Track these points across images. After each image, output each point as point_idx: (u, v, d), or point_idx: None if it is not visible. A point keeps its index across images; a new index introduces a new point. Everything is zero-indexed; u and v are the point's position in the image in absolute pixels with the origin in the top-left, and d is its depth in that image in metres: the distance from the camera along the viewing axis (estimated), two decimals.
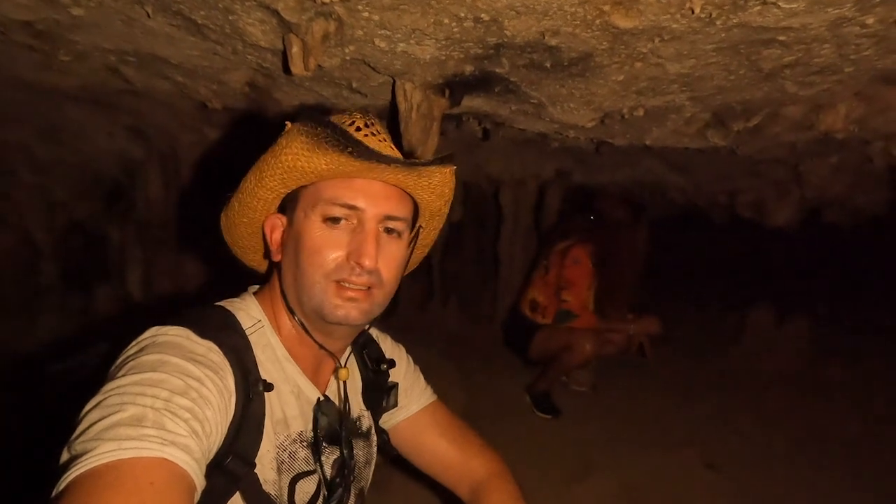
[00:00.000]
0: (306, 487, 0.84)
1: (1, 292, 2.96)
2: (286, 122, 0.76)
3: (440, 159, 0.82)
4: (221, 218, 0.87)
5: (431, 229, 0.97)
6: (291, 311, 0.84)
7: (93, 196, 3.11)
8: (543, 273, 2.88)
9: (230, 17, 1.24)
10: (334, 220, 0.78)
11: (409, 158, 0.80)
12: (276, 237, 0.85)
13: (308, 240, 0.78)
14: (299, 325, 0.84)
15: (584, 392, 2.97)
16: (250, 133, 2.47)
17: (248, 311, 0.84)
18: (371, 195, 0.79)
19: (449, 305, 4.04)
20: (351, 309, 0.78)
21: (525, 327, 2.87)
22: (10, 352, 2.71)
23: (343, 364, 0.91)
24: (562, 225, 3.24)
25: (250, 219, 0.86)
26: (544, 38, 1.25)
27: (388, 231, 0.81)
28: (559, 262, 2.80)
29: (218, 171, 2.78)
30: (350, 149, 0.73)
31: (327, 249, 0.78)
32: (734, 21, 1.11)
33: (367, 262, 0.77)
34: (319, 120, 0.73)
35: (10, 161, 2.81)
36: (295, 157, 0.74)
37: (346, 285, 0.78)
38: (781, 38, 1.19)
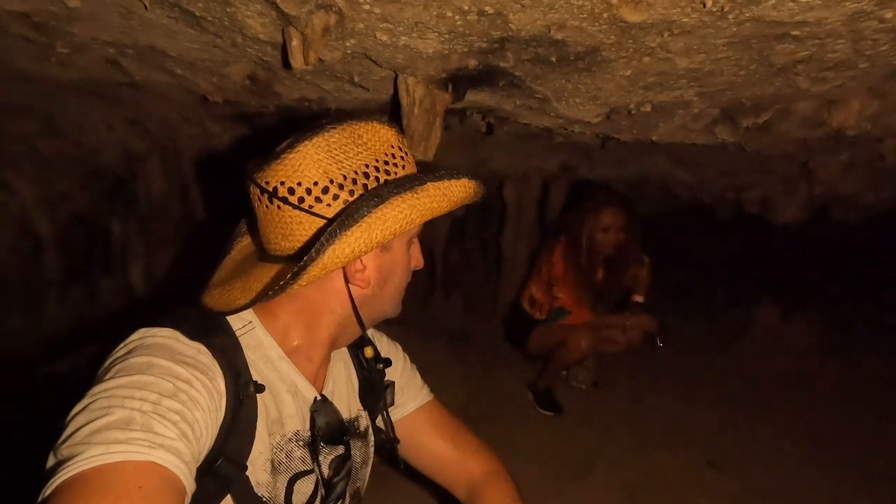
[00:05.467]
0: (304, 487, 0.83)
1: (3, 285, 2.96)
2: (462, 176, 0.83)
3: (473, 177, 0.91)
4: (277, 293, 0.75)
5: None
6: (361, 324, 0.86)
7: (94, 189, 3.10)
8: (539, 269, 2.86)
9: (228, 9, 1.21)
10: (410, 243, 0.89)
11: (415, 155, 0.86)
12: (360, 271, 0.83)
13: (404, 265, 0.88)
14: (359, 327, 0.86)
15: (585, 389, 2.96)
16: (252, 126, 2.45)
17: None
18: None
19: (451, 300, 4.03)
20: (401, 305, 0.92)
21: (524, 322, 2.86)
22: (12, 346, 2.71)
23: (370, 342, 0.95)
24: (560, 220, 3.20)
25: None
26: (550, 31, 1.21)
27: None
28: (548, 257, 2.78)
29: (220, 164, 2.76)
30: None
31: (408, 268, 0.89)
32: (747, 15, 1.08)
33: (422, 265, 0.93)
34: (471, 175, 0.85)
35: (11, 153, 2.80)
36: (449, 206, 0.83)
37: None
38: (795, 32, 1.15)
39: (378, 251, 0.82)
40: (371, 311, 0.87)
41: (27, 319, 2.89)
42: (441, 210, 0.81)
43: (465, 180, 0.83)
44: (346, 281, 0.82)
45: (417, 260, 0.91)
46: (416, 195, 0.76)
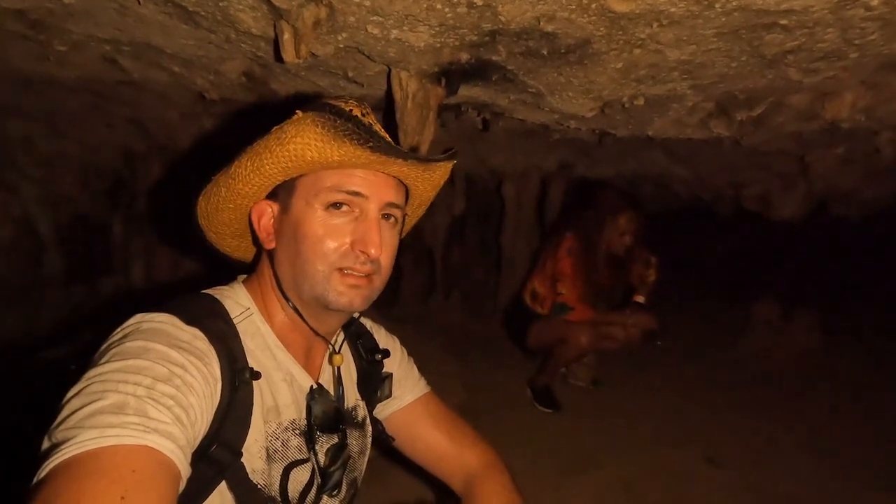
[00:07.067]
0: (300, 476, 0.83)
1: (5, 284, 2.98)
2: (296, 111, 0.75)
3: (448, 156, 0.84)
4: (200, 202, 0.85)
5: (415, 216, 0.99)
6: (286, 298, 0.83)
7: (95, 188, 3.12)
8: (543, 263, 2.86)
9: (220, 4, 1.22)
10: (336, 206, 0.78)
11: (405, 148, 0.80)
12: (265, 224, 0.84)
13: (310, 228, 0.78)
14: (293, 312, 0.83)
15: (583, 387, 2.96)
16: (249, 124, 2.46)
17: (236, 299, 0.84)
18: (374, 183, 0.80)
19: (451, 298, 4.03)
20: (354, 296, 0.79)
21: (525, 316, 2.86)
22: (14, 344, 2.73)
23: (337, 350, 0.91)
24: (564, 215, 3.21)
25: (237, 205, 0.84)
26: (540, 23, 1.22)
27: (386, 218, 0.82)
28: (554, 253, 2.78)
29: (219, 162, 2.77)
30: (370, 143, 0.73)
31: (331, 238, 0.78)
32: (734, 4, 1.08)
33: (374, 251, 0.78)
34: (337, 111, 0.73)
35: (12, 153, 2.82)
36: (305, 147, 0.73)
37: (349, 272, 0.79)
38: (783, 21, 1.16)
39: (278, 210, 0.83)
40: (293, 282, 0.82)
41: (28, 318, 2.90)
42: (311, 156, 0.74)
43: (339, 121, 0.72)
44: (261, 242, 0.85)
45: (360, 239, 0.78)
46: (279, 140, 0.74)
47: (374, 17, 1.22)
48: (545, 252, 2.90)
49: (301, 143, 0.73)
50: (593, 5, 1.13)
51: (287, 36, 1.22)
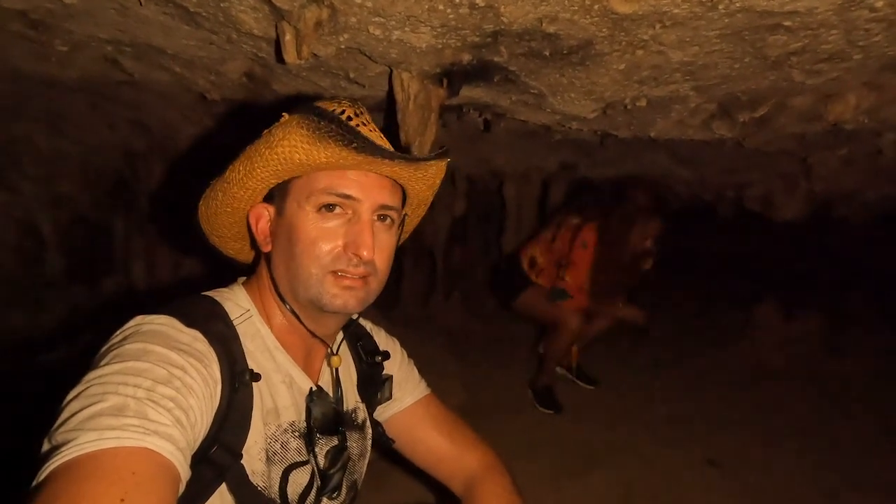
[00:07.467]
0: (299, 478, 0.83)
1: (7, 284, 2.98)
2: (283, 114, 0.75)
3: (438, 154, 0.83)
4: (200, 207, 0.86)
5: (416, 216, 0.98)
6: (283, 300, 0.83)
7: (96, 188, 3.12)
8: (550, 238, 2.84)
9: (222, 4, 1.22)
10: (329, 208, 0.78)
11: (406, 149, 0.80)
12: (262, 227, 0.84)
13: (303, 231, 0.78)
14: (291, 314, 0.83)
15: (564, 372, 3.01)
16: (250, 124, 2.46)
17: (236, 300, 0.84)
18: (366, 185, 0.79)
19: (452, 299, 4.03)
20: (349, 298, 0.79)
21: (517, 278, 2.87)
22: (15, 343, 2.73)
23: (335, 352, 0.91)
24: (580, 202, 3.17)
25: (234, 208, 0.84)
26: (542, 24, 1.22)
27: (382, 219, 0.82)
28: (568, 237, 2.75)
29: (221, 162, 2.77)
30: (354, 144, 0.72)
31: (324, 240, 0.78)
32: (737, 5, 1.08)
33: (366, 254, 0.77)
34: (321, 112, 0.73)
35: (14, 153, 2.82)
36: (292, 150, 0.73)
37: (343, 275, 0.78)
38: (787, 23, 1.15)
39: (273, 213, 0.83)
40: (289, 284, 0.82)
41: (30, 318, 2.91)
42: (300, 158, 0.74)
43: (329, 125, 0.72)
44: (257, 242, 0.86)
45: (352, 242, 0.78)
46: (268, 143, 0.74)
47: (376, 18, 1.22)
48: (559, 230, 2.84)
49: (288, 146, 0.73)
50: (596, 6, 1.12)
51: (289, 37, 1.22)
